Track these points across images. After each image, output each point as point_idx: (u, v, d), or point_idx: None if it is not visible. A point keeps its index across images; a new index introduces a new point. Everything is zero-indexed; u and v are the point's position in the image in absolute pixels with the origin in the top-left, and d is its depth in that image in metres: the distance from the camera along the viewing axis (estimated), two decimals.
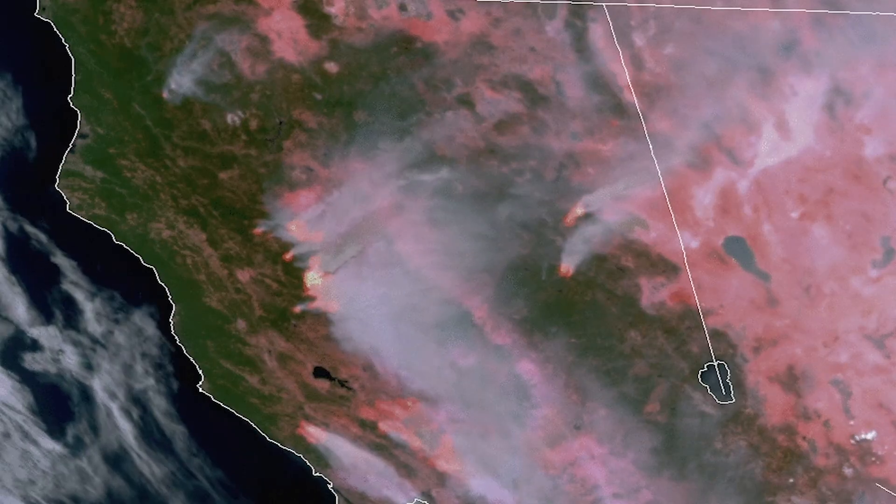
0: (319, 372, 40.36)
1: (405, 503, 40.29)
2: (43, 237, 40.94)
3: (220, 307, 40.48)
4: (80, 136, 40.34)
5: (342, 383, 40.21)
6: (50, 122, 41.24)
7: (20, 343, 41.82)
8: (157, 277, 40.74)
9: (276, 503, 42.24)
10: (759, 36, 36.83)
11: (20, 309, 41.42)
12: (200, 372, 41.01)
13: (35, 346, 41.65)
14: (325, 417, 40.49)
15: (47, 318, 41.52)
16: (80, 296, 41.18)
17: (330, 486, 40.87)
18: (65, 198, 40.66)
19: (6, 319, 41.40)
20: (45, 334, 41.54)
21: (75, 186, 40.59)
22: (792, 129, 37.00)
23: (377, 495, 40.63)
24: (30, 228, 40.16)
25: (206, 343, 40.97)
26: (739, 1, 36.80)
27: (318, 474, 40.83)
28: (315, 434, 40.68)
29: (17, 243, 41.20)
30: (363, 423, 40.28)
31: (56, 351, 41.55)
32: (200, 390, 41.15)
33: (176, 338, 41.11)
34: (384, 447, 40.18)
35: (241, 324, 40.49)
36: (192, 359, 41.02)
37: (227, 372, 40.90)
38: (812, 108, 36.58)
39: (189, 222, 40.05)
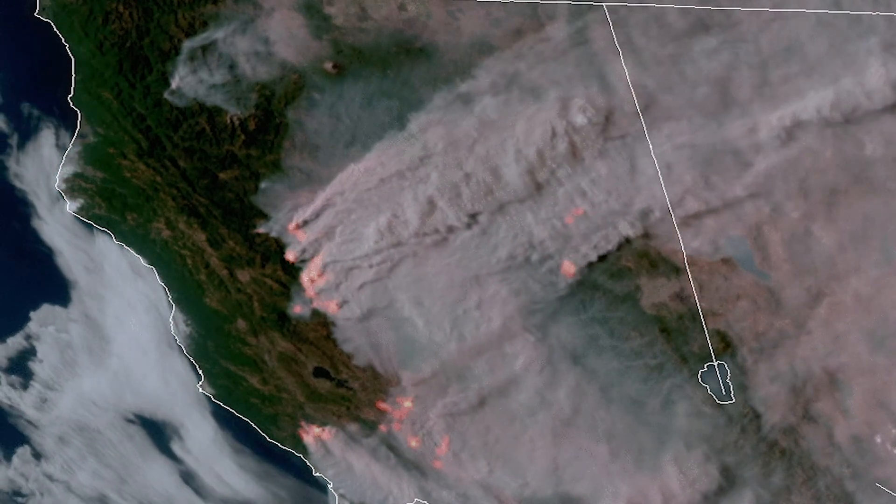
0: (319, 372, 40.36)
1: (405, 503, 40.30)
2: None
3: (221, 307, 40.48)
4: (80, 136, 40.34)
5: (342, 383, 40.20)
6: (50, 121, 41.29)
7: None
8: (157, 277, 40.81)
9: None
10: (760, 36, 36.80)
11: None
12: (201, 372, 41.04)
13: None
14: (325, 417, 40.50)
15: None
16: None
17: (330, 486, 40.90)
18: (65, 198, 40.71)
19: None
20: None
21: (75, 186, 40.60)
22: (793, 128, 36.94)
23: (377, 495, 40.64)
24: None
25: (206, 343, 40.99)
26: (740, 1, 36.77)
27: (318, 474, 40.86)
28: (315, 434, 40.69)
29: None
30: (363, 423, 40.28)
31: None
32: (200, 390, 41.23)
33: (176, 338, 41.15)
34: (384, 447, 40.18)
35: (241, 324, 40.49)
36: (192, 359, 41.08)
37: (227, 372, 40.91)
38: (813, 109, 36.53)
39: (189, 222, 40.03)
